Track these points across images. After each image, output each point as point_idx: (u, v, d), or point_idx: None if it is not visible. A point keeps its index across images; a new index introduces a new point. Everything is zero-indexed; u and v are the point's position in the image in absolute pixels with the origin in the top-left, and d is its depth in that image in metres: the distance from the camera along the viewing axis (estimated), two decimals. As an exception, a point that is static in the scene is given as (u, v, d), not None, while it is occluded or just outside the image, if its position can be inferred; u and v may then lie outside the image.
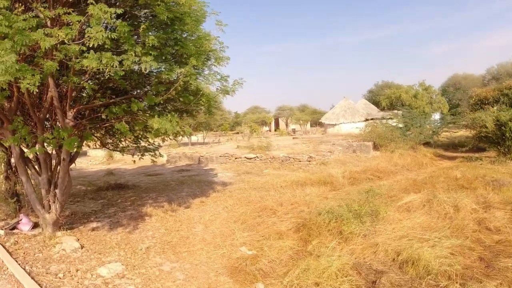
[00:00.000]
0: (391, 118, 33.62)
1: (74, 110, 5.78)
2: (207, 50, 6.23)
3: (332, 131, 34.44)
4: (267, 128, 56.57)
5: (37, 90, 3.81)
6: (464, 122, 20.76)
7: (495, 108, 16.76)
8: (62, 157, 6.03)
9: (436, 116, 38.23)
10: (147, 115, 5.96)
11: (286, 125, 58.78)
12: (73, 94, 5.67)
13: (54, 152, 6.61)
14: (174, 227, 7.22)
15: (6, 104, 5.55)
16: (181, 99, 6.07)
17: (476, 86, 53.65)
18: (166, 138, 7.51)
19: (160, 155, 8.52)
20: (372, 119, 34.39)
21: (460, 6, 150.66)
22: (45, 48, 3.84)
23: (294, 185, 11.03)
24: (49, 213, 6.33)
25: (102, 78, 5.75)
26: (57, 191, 6.25)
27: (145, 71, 4.51)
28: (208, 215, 8.06)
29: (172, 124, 5.63)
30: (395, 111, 35.69)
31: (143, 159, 8.69)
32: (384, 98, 41.47)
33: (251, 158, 16.06)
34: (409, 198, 8.66)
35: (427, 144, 21.79)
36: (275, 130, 59.76)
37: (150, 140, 8.67)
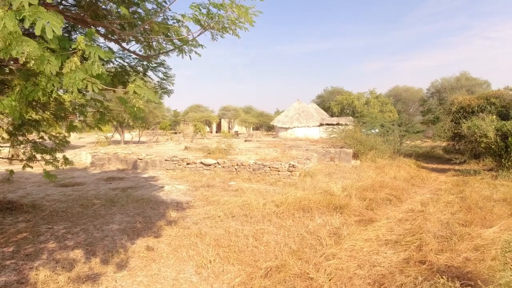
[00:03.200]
0: (347, 124, 31.38)
1: None
2: None
3: (284, 134, 31.17)
4: (208, 129, 51.83)
5: None
6: (439, 132, 18.45)
7: (493, 116, 14.44)
8: None
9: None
10: None
11: (229, 126, 54.68)
12: None
13: None
14: None
15: None
16: None
17: (416, 98, 54.74)
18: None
19: (66, 162, 4.00)
20: (327, 124, 31.89)
21: (390, 30, 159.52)
22: None
23: (293, 210, 7.05)
24: None
25: None
26: None
27: None
28: (170, 295, 3.71)
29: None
30: (350, 117, 33.67)
31: (30, 167, 4.09)
32: (335, 104, 39.51)
33: (210, 165, 11.74)
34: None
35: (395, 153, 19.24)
36: (216, 132, 55.30)
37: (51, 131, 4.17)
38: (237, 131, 50.64)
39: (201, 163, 11.84)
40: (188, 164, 12.02)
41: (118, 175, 12.21)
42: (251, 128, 53.86)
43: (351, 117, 33.12)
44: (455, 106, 17.42)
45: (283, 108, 68.82)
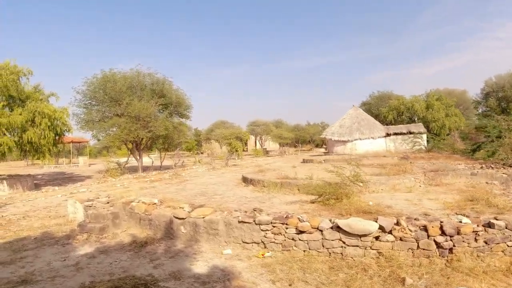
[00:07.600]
0: (420, 132, 24.02)
1: None
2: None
3: (342, 149, 23.83)
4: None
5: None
6: None
7: None
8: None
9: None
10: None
11: (256, 143, 47.59)
12: None
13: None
14: None
15: None
16: None
17: (461, 101, 46.80)
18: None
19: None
20: (395, 133, 24.63)
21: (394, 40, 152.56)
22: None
23: None
24: None
25: None
26: None
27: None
28: None
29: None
30: (421, 123, 26.36)
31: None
32: (388, 110, 32.21)
33: (362, 236, 4.57)
34: None
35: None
36: (244, 150, 48.13)
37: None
38: (265, 148, 43.44)
39: (338, 228, 4.67)
40: (300, 232, 4.86)
41: (130, 269, 4.94)
42: (270, 143, 46.66)
43: (421, 124, 25.80)
44: None
45: (315, 121, 61.14)
